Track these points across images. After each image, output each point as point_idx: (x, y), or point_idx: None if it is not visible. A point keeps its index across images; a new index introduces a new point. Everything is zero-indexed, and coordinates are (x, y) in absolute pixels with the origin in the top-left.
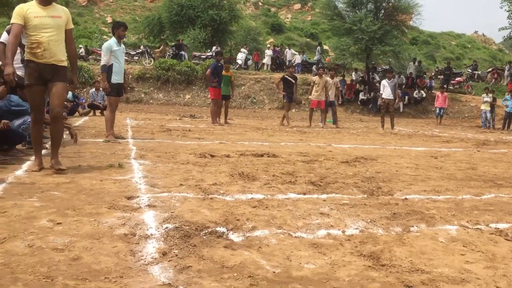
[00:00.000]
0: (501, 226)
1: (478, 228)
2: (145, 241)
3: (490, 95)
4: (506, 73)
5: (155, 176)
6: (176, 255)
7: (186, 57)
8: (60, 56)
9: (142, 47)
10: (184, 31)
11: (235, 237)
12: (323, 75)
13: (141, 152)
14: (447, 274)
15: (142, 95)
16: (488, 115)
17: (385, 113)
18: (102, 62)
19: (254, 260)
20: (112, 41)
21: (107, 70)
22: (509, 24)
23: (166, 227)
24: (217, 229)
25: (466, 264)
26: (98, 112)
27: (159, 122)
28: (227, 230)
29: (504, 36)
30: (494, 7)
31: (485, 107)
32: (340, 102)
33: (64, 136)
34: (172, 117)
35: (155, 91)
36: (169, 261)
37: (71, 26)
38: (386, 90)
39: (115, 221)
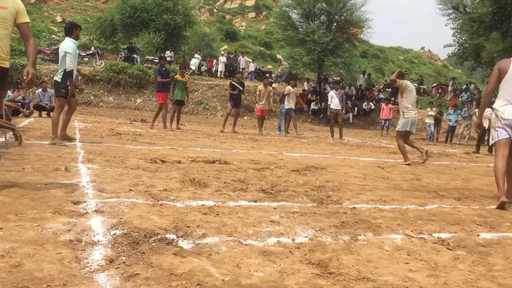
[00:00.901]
0: (443, 235)
1: (421, 238)
2: (91, 248)
3: (434, 109)
4: (449, 88)
5: (104, 181)
6: (124, 263)
7: (139, 60)
8: (2, 55)
9: (93, 48)
10: (137, 34)
11: (184, 244)
12: (268, 85)
13: (89, 156)
14: (392, 282)
15: (92, 98)
16: (432, 128)
17: (334, 123)
18: (71, 67)
19: (204, 268)
20: (75, 43)
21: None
22: (454, 41)
23: (114, 234)
24: (167, 236)
25: (410, 272)
26: (44, 113)
27: (109, 125)
28: (177, 237)
29: (449, 53)
30: (440, 25)
31: (429, 121)
32: (306, 110)
33: (8, 137)
34: (122, 121)
35: (105, 93)
36: (116, 268)
37: (26, 19)
38: (334, 101)
39: (60, 227)
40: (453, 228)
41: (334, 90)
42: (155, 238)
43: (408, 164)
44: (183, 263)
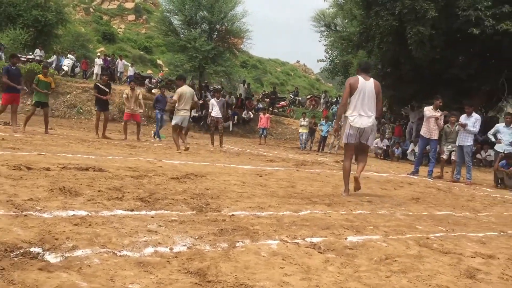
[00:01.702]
0: (315, 240)
1: (295, 242)
2: None
3: (307, 119)
4: (322, 100)
5: None
6: None
7: (3, 58)
8: None
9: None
10: (2, 29)
11: (52, 258)
12: (135, 88)
13: None
14: (268, 287)
15: None
16: (305, 137)
17: (214, 131)
18: None
19: (74, 283)
20: None
21: None
22: (325, 57)
23: None
24: (31, 249)
25: (285, 276)
26: None
27: None
28: (43, 251)
29: (321, 68)
30: (314, 41)
31: (302, 130)
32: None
33: None
34: None
35: None
36: None
37: None
38: (215, 109)
39: None
40: (324, 233)
41: (215, 98)
42: (18, 252)
43: (179, 152)
44: (49, 278)
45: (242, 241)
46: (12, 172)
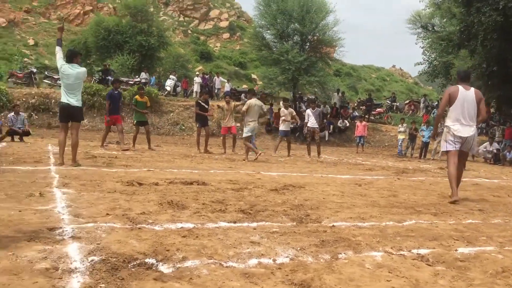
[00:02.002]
0: (422, 251)
1: (401, 254)
2: (68, 276)
3: (405, 125)
4: (421, 105)
5: (80, 206)
6: None
7: None
8: None
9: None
10: (111, 56)
11: (165, 268)
12: (231, 102)
13: (64, 180)
14: None
15: None
16: (404, 143)
17: (311, 141)
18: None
19: None
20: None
21: None
22: (423, 59)
23: (92, 260)
24: (146, 260)
25: None
26: (17, 138)
27: (84, 148)
28: (157, 262)
29: (420, 71)
30: (411, 44)
31: (400, 136)
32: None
33: None
34: (97, 143)
35: None
36: None
37: None
38: (310, 119)
39: (36, 255)
40: (431, 244)
41: (310, 108)
42: (134, 263)
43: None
44: None
45: (344, 253)
46: (125, 187)
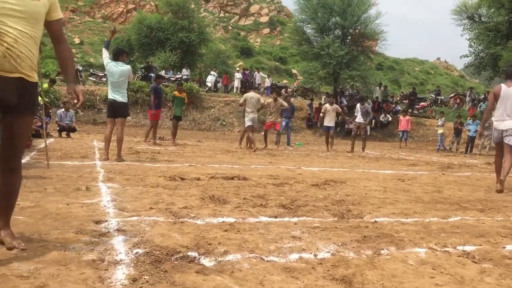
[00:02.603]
0: (468, 248)
1: (446, 251)
2: (114, 267)
3: (444, 118)
4: (467, 98)
5: (124, 200)
6: (147, 281)
7: None
8: (31, 64)
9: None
10: (153, 53)
11: (207, 261)
12: (278, 99)
13: (109, 175)
14: None
15: None
16: (443, 137)
17: (356, 136)
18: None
19: (227, 286)
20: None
21: None
22: (470, 51)
23: (136, 252)
24: (189, 253)
25: (436, 287)
26: (64, 134)
27: (127, 144)
28: (199, 255)
29: (466, 63)
30: (456, 35)
31: (439, 131)
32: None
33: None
34: (140, 139)
35: None
36: (139, 287)
37: (60, 15)
38: (358, 114)
39: (83, 247)
40: (477, 241)
41: (360, 104)
42: (177, 256)
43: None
44: (206, 281)
45: (387, 249)
46: (168, 182)
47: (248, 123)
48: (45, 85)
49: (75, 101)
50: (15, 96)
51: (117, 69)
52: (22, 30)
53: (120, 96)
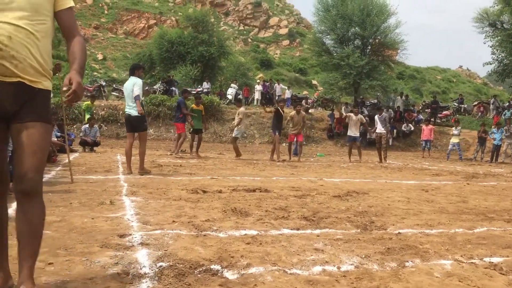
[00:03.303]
0: (495, 260)
1: (472, 263)
2: (139, 281)
3: (459, 128)
4: (491, 106)
5: (147, 213)
6: None
7: (177, 92)
8: (36, 66)
9: None
10: (174, 67)
11: (230, 274)
12: (301, 112)
13: (133, 188)
14: None
15: None
16: (457, 147)
17: (380, 147)
18: (138, 92)
19: None
20: (139, 80)
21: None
22: (493, 59)
23: (160, 266)
24: (212, 266)
25: None
26: (88, 148)
27: (150, 157)
28: (222, 268)
29: (489, 71)
30: (478, 43)
31: (454, 140)
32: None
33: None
34: (162, 152)
35: None
36: None
37: (69, 2)
38: (378, 125)
39: (108, 260)
40: (505, 252)
41: (378, 115)
42: (200, 269)
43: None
44: None
45: (411, 261)
46: (190, 195)
47: (236, 135)
48: (88, 103)
49: (64, 88)
50: (13, 104)
51: (127, 83)
52: (18, 25)
53: (134, 110)
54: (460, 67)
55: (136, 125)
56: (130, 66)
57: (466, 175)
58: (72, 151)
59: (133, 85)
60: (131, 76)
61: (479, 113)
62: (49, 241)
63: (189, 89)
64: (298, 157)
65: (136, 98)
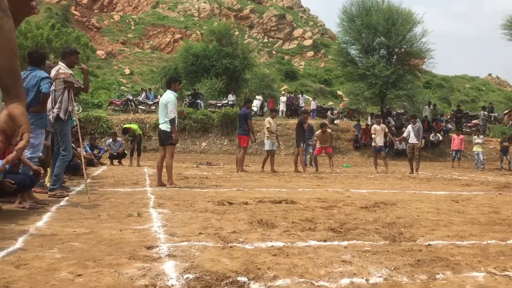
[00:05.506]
0: None
1: (506, 275)
2: None
3: (482, 136)
4: None
5: (174, 225)
6: None
7: (202, 105)
8: None
9: (159, 97)
10: (199, 80)
11: (256, 286)
12: (327, 131)
13: (160, 200)
14: None
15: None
16: (481, 156)
17: (412, 157)
18: (172, 115)
19: None
20: (174, 95)
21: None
22: None
23: (187, 278)
24: (238, 278)
25: None
26: (116, 162)
27: (176, 170)
28: (248, 280)
29: None
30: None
31: (476, 149)
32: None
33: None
34: (189, 164)
35: None
36: None
37: None
38: (411, 135)
39: (136, 272)
40: None
41: (411, 124)
42: (227, 281)
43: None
44: None
45: (442, 273)
46: (216, 207)
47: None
48: (135, 126)
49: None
50: None
51: (163, 97)
52: None
53: (163, 124)
54: (490, 75)
55: (164, 139)
56: (167, 79)
57: (497, 185)
58: (101, 164)
59: (167, 103)
60: (167, 90)
61: (510, 121)
62: (78, 253)
63: (213, 101)
64: (331, 169)
65: (172, 122)
